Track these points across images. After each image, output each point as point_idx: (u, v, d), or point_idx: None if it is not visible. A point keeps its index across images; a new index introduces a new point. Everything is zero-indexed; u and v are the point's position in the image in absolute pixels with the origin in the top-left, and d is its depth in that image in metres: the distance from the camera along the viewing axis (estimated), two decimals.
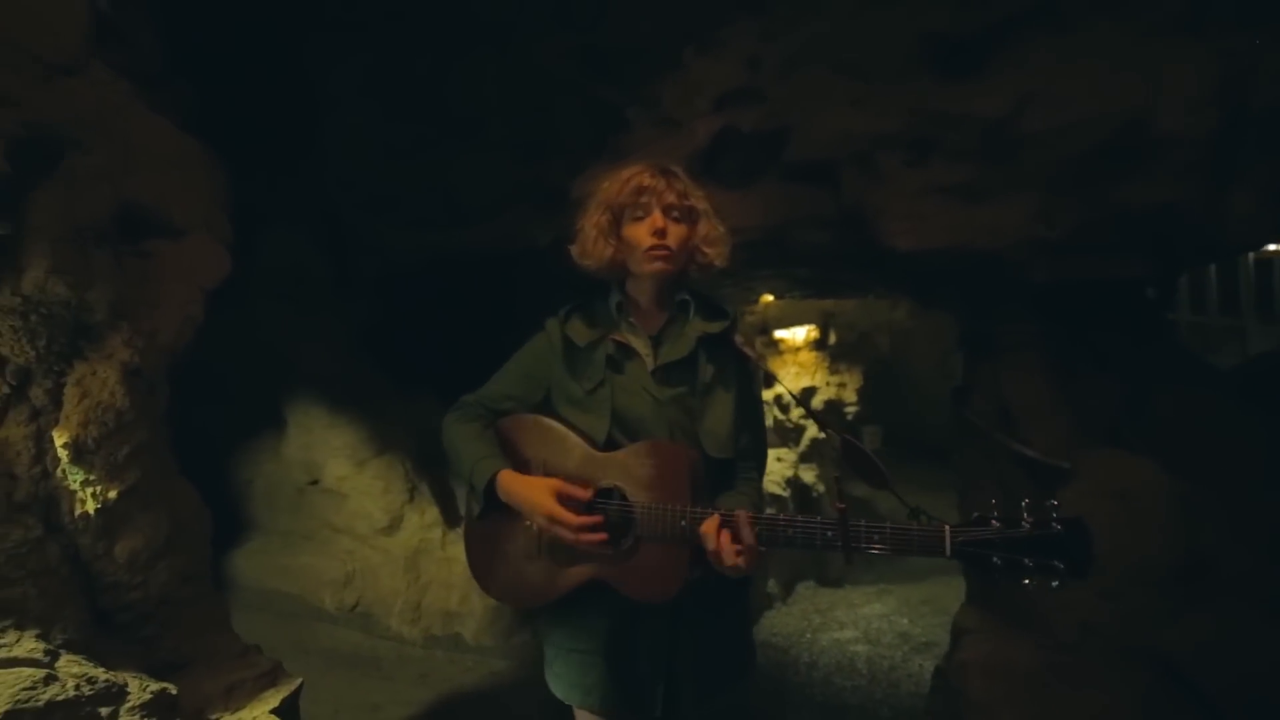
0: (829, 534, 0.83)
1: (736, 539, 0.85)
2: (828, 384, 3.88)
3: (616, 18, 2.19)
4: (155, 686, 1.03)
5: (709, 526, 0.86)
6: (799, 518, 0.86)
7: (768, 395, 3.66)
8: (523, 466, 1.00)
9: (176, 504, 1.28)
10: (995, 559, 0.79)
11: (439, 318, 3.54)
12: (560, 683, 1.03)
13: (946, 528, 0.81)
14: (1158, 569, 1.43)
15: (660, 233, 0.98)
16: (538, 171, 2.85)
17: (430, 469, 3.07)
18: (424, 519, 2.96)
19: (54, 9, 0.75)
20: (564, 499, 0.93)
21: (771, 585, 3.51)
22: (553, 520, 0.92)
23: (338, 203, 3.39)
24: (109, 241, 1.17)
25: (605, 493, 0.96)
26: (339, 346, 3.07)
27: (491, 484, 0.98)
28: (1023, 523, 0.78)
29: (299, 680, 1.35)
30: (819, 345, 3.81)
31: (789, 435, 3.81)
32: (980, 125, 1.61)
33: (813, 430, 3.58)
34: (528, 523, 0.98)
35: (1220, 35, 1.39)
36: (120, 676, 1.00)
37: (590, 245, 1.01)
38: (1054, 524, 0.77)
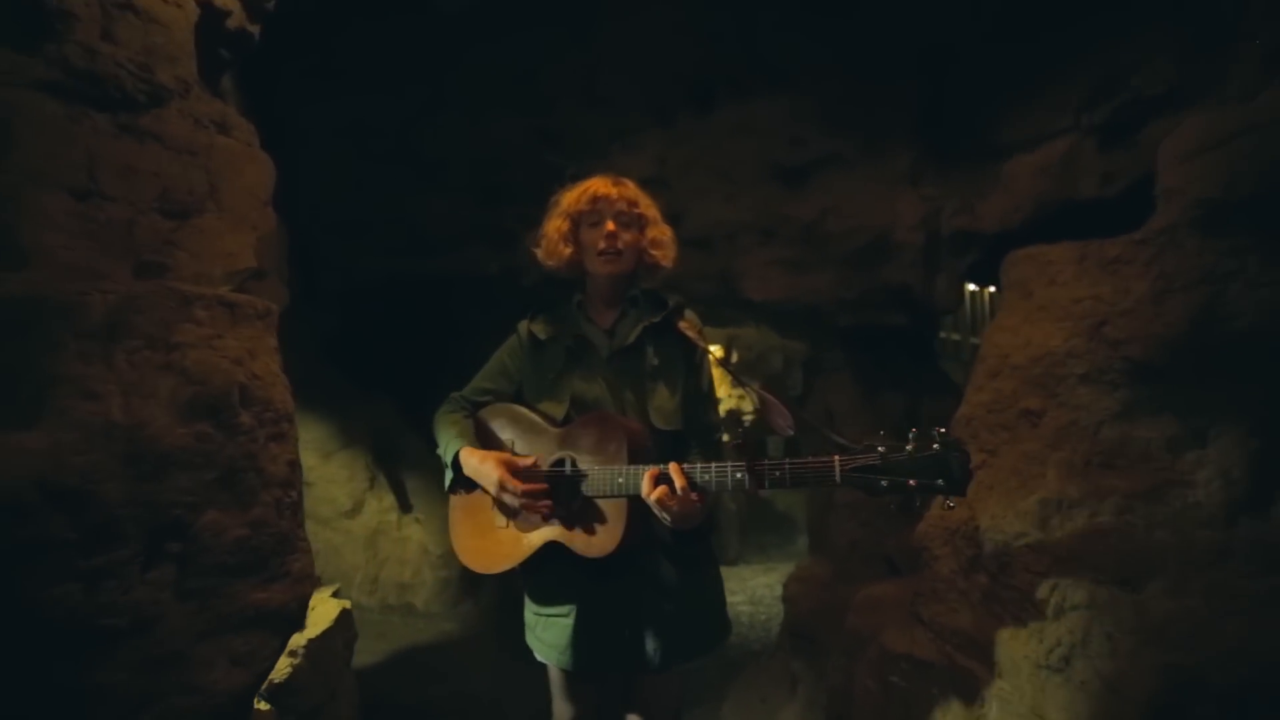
0: (739, 475, 0.96)
1: (671, 487, 0.97)
2: (730, 395, 4.92)
3: (561, 114, 3.10)
4: None
5: (647, 478, 1.00)
6: (714, 464, 0.99)
7: None
8: (498, 446, 1.19)
9: None
10: (883, 482, 0.88)
11: (393, 330, 4.22)
12: (540, 645, 1.19)
13: (835, 458, 0.91)
14: (889, 510, 2.48)
15: (611, 237, 1.15)
16: (493, 214, 3.67)
17: (387, 462, 3.75)
18: (382, 504, 3.63)
19: (265, 175, 1.55)
20: (511, 468, 1.10)
21: None
22: (500, 486, 1.09)
23: (305, 224, 4.03)
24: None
25: (558, 463, 1.13)
26: (307, 353, 3.69)
27: (457, 460, 1.17)
28: (906, 447, 0.88)
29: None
30: (723, 363, 4.84)
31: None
32: (801, 223, 2.65)
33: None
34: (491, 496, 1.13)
35: (925, 187, 2.50)
36: None
37: (553, 247, 1.22)
38: (934, 446, 0.86)
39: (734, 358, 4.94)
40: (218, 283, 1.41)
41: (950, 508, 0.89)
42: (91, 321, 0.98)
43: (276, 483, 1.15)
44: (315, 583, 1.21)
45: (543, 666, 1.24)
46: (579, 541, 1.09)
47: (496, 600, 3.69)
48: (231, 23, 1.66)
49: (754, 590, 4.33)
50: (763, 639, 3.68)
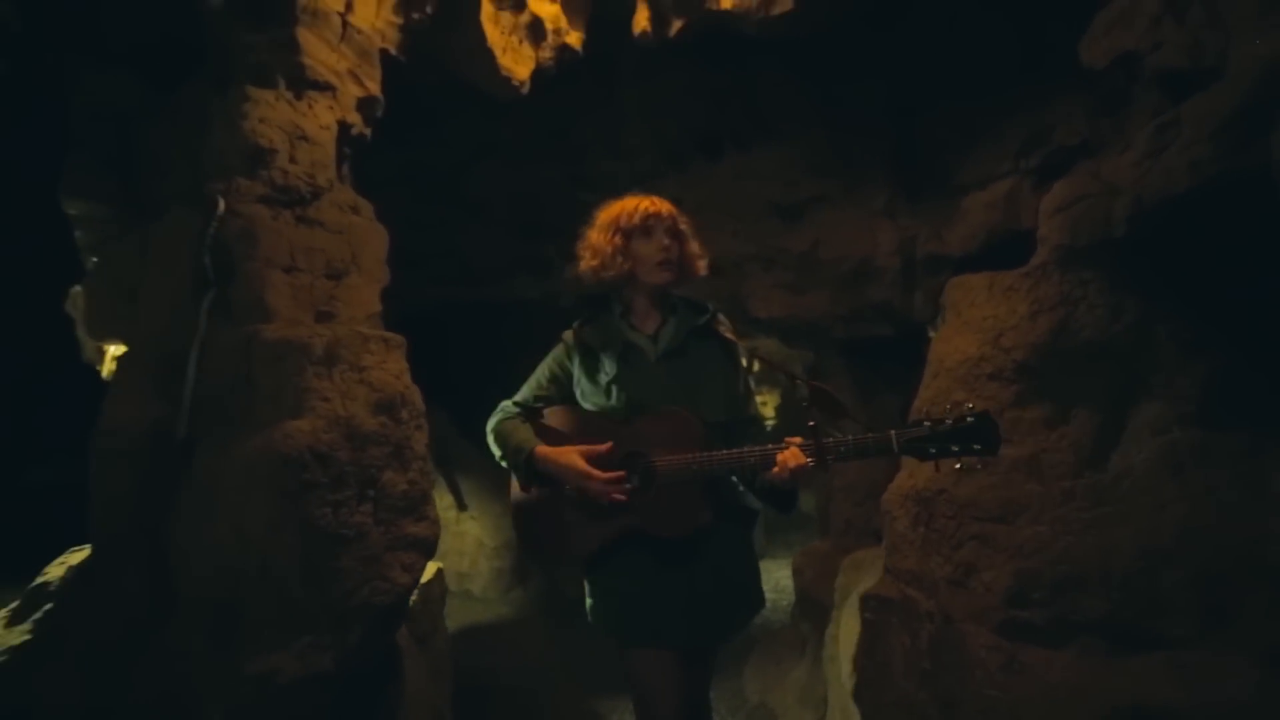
0: (807, 452, 1.16)
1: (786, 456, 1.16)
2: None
3: (590, 162, 3.77)
4: None
5: (791, 450, 1.16)
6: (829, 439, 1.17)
7: None
8: (562, 444, 1.31)
9: None
10: (931, 449, 1.09)
11: (446, 350, 4.93)
12: (602, 620, 1.32)
13: (892, 432, 1.11)
14: (877, 491, 3.02)
15: (667, 250, 1.33)
16: (532, 246, 4.35)
17: (445, 466, 4.43)
18: (441, 503, 4.30)
19: (383, 242, 2.23)
20: (590, 459, 1.24)
21: None
22: (583, 477, 1.22)
23: None
24: None
25: (630, 455, 1.26)
26: None
27: (531, 460, 1.29)
28: (946, 420, 1.09)
29: None
30: (770, 361, 5.44)
31: None
32: (797, 252, 3.24)
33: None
34: (568, 488, 1.26)
35: (900, 219, 3.06)
36: None
37: (608, 260, 1.35)
38: (967, 418, 1.09)
39: (755, 366, 5.51)
40: (360, 323, 2.09)
41: (979, 468, 1.15)
42: (317, 354, 1.65)
43: (420, 457, 1.80)
44: (440, 528, 1.86)
45: (583, 639, 1.58)
46: (657, 525, 1.25)
47: (543, 587, 4.32)
48: (355, 131, 2.37)
49: (777, 580, 4.86)
50: (782, 620, 4.21)
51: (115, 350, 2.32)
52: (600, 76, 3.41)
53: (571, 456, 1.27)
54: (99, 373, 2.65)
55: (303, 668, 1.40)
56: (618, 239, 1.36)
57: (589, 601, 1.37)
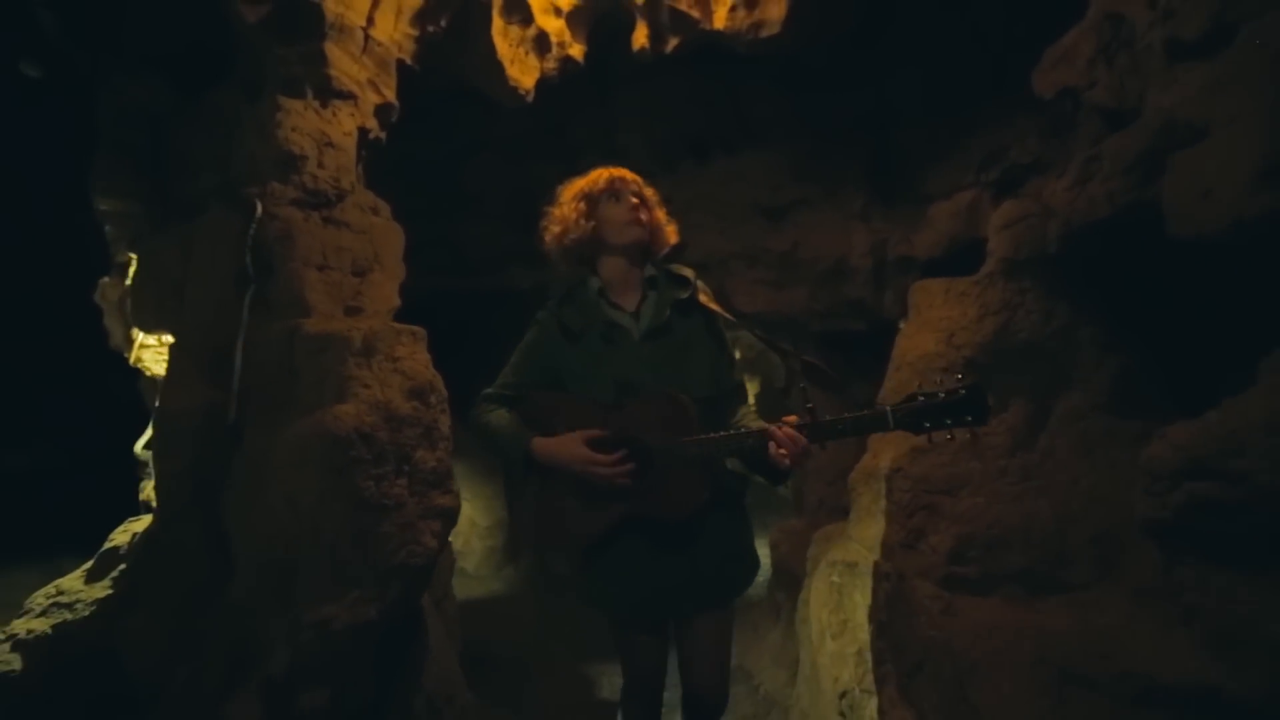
0: (805, 431, 1.19)
1: (785, 439, 1.17)
2: None
3: (585, 162, 3.97)
4: None
5: (783, 432, 1.16)
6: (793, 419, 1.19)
7: None
8: (552, 433, 1.30)
9: None
10: (925, 422, 1.14)
11: (440, 338, 5.15)
12: (603, 597, 1.34)
13: (888, 408, 1.16)
14: (847, 472, 3.36)
15: (634, 209, 1.35)
16: (526, 238, 4.56)
17: None
18: None
19: (401, 240, 2.46)
20: (592, 443, 1.23)
21: None
22: (589, 463, 1.22)
23: None
24: None
25: (625, 441, 1.25)
26: None
27: (529, 452, 1.27)
28: (939, 393, 1.13)
29: None
30: (762, 336, 5.73)
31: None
32: (779, 251, 3.53)
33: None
34: (565, 476, 1.26)
35: (873, 223, 3.37)
36: None
37: (571, 226, 1.35)
38: (960, 390, 1.13)
39: (737, 355, 5.83)
40: (384, 317, 2.32)
41: (969, 437, 1.20)
42: (356, 346, 1.89)
43: (445, 437, 2.06)
44: (460, 500, 2.12)
45: (571, 613, 1.79)
46: (659, 508, 1.26)
47: (534, 565, 4.61)
48: (372, 135, 2.58)
49: (764, 558, 5.24)
50: (759, 595, 4.56)
51: (144, 338, 2.50)
52: (596, 80, 3.63)
53: (574, 445, 1.26)
54: (108, 364, 2.82)
55: (353, 617, 1.66)
56: (582, 205, 1.40)
57: (586, 586, 1.38)
